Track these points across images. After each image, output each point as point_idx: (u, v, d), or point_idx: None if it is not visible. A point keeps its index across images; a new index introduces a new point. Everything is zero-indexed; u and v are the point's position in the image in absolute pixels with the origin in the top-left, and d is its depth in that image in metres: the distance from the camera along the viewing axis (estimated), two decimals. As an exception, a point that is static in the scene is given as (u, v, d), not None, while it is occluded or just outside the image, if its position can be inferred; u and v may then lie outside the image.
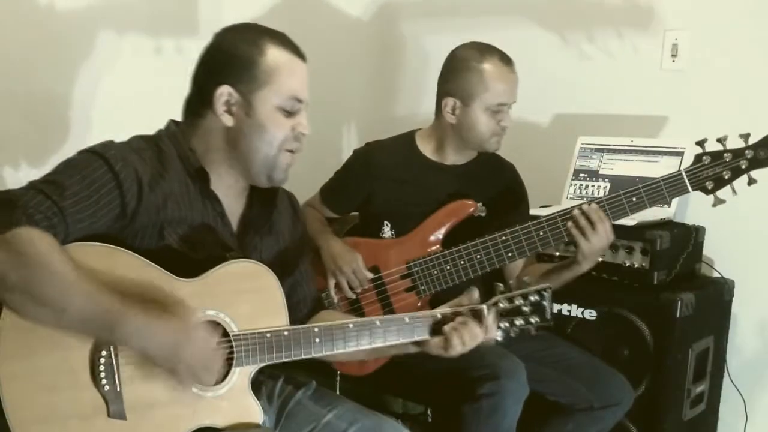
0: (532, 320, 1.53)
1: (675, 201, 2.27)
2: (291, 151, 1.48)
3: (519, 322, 1.53)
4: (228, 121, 1.45)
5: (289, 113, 1.46)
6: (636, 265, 2.15)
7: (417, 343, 1.52)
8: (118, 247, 1.33)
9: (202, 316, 1.37)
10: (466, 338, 1.46)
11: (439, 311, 1.52)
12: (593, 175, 2.44)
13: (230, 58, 1.45)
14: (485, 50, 2.02)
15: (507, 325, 1.53)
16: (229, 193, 1.52)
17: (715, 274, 2.37)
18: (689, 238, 2.26)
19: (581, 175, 2.47)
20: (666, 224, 2.24)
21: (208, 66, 1.48)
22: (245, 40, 1.46)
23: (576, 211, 1.81)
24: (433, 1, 3.06)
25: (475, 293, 1.52)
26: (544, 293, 1.53)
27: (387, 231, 2.07)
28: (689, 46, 2.46)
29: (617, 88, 2.60)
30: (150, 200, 1.39)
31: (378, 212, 2.10)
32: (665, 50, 2.50)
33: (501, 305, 1.53)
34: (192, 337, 1.29)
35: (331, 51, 2.99)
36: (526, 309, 1.52)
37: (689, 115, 2.44)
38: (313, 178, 2.24)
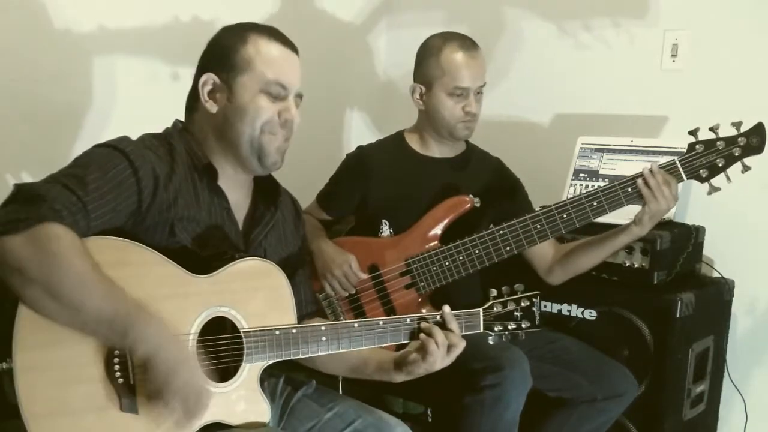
0: (523, 325, 1.62)
1: (675, 201, 2.27)
2: (277, 136, 1.49)
3: (511, 326, 1.62)
4: (212, 107, 1.48)
5: (275, 98, 1.48)
6: (636, 265, 2.15)
7: (398, 366, 1.54)
8: (134, 242, 1.34)
9: (214, 312, 1.39)
10: (440, 341, 1.49)
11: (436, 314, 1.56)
12: (593, 175, 2.44)
13: (215, 49, 1.52)
14: (447, 36, 2.08)
15: (500, 328, 1.61)
16: (235, 188, 1.54)
17: (715, 274, 2.37)
18: (689, 238, 2.26)
19: (581, 175, 2.47)
20: (666, 224, 2.23)
21: (200, 61, 1.53)
22: (232, 33, 1.51)
23: (646, 171, 1.80)
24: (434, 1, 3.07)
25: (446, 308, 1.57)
26: (534, 300, 1.63)
27: (386, 229, 2.08)
28: (689, 46, 2.46)
29: (617, 88, 2.60)
30: (163, 197, 1.40)
31: (375, 212, 2.11)
32: (665, 50, 2.50)
33: (495, 309, 1.61)
34: (193, 363, 1.31)
35: (330, 52, 2.99)
36: (517, 314, 1.62)
37: (689, 115, 2.42)
38: (313, 180, 2.24)
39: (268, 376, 1.62)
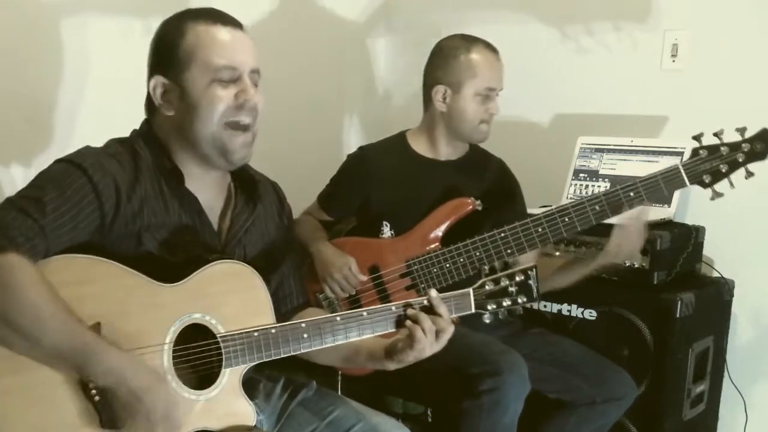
0: (519, 300, 1.54)
1: (675, 201, 2.27)
2: (238, 126, 1.43)
3: (506, 302, 1.54)
4: (168, 110, 1.45)
5: (228, 82, 1.41)
6: (636, 265, 2.14)
7: (389, 354, 1.49)
8: (99, 258, 1.32)
9: (188, 320, 1.36)
10: (426, 327, 1.43)
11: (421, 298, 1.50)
12: (593, 175, 2.44)
13: (157, 49, 1.47)
14: (471, 39, 2.09)
15: (494, 306, 1.53)
16: (205, 189, 1.50)
17: (715, 274, 2.37)
18: (689, 238, 2.26)
19: (581, 175, 2.47)
20: (666, 224, 2.24)
21: (147, 64, 1.49)
22: (170, 28, 1.46)
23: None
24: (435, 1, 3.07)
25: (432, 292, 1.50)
26: (530, 272, 1.54)
27: (387, 231, 2.08)
28: (689, 46, 2.46)
29: (617, 88, 2.60)
30: (127, 209, 1.38)
31: (377, 213, 2.10)
32: (665, 50, 2.50)
33: (487, 287, 1.54)
34: (158, 388, 1.28)
35: (330, 52, 3.00)
36: (512, 289, 1.54)
37: (689, 115, 2.44)
38: (313, 181, 2.24)
39: (265, 379, 1.62)
